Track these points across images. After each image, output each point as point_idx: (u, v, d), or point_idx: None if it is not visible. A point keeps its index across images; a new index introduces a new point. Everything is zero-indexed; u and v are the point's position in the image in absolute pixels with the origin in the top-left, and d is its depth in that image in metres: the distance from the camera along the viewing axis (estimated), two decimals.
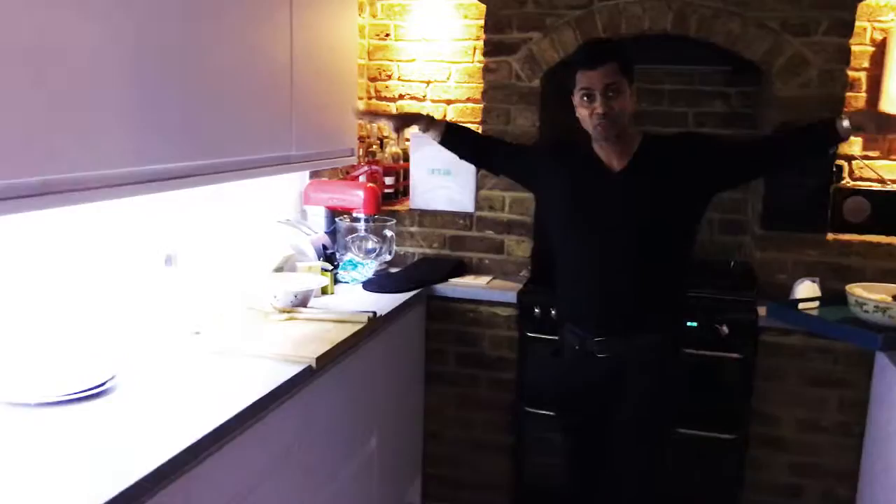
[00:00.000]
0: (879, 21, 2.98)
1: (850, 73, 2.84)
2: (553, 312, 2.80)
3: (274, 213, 3.04)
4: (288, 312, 2.43)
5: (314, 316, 2.42)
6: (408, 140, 3.47)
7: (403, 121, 2.55)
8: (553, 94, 3.22)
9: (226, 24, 2.13)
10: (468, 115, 3.50)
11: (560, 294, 2.36)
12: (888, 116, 2.24)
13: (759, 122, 3.15)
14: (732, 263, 3.17)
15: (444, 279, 3.09)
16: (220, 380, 1.92)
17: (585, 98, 2.09)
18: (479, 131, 3.21)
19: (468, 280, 3.11)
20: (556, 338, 2.45)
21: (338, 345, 2.20)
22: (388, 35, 3.53)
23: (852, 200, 2.92)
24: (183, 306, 2.28)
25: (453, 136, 2.51)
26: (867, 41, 2.95)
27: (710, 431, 2.79)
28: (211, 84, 2.07)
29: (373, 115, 2.66)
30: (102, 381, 1.78)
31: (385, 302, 2.75)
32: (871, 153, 3.08)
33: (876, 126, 2.12)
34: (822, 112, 2.78)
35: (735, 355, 2.74)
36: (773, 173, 2.75)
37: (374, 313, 2.48)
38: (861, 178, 3.06)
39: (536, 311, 2.90)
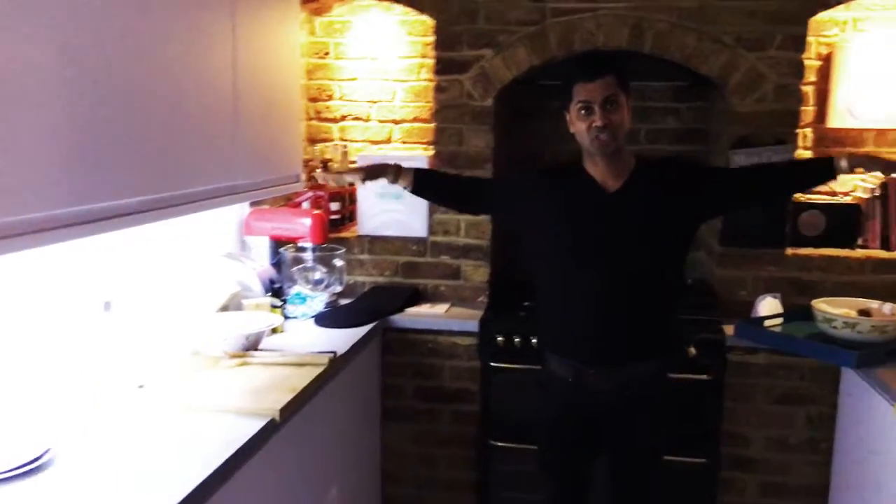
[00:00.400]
0: (825, 36, 2.99)
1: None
2: (534, 342, 2.69)
3: (213, 247, 2.82)
4: (240, 357, 2.23)
5: (269, 360, 2.23)
6: (353, 162, 3.30)
7: (370, 173, 2.31)
8: (507, 114, 3.13)
9: (166, 50, 1.93)
10: (416, 135, 3.35)
11: (547, 323, 2.23)
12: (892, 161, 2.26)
13: (714, 138, 3.12)
14: (690, 281, 3.12)
15: (401, 309, 2.93)
16: (172, 442, 1.72)
17: (583, 111, 2.01)
18: (432, 153, 3.08)
19: (425, 309, 2.96)
20: (538, 367, 2.33)
21: (300, 392, 2.02)
22: (327, 53, 3.36)
23: (808, 214, 2.91)
24: (124, 357, 2.05)
25: (424, 184, 2.32)
26: (813, 56, 2.95)
27: (684, 456, 2.71)
28: (151, 115, 1.87)
29: (338, 175, 2.38)
30: (36, 456, 1.55)
31: (340, 338, 2.57)
32: None
33: (883, 167, 2.16)
34: (779, 127, 2.78)
35: (704, 377, 2.68)
36: (766, 204, 2.71)
37: (335, 353, 2.30)
38: (812, 191, 3.06)
39: (499, 339, 2.78)
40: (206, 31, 2.16)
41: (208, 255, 2.73)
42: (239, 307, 2.57)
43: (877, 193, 2.88)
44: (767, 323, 2.66)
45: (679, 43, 2.79)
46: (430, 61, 3.26)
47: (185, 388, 1.99)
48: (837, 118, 3.02)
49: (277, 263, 2.97)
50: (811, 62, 2.96)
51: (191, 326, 2.32)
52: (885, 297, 2.63)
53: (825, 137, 3.08)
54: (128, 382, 1.98)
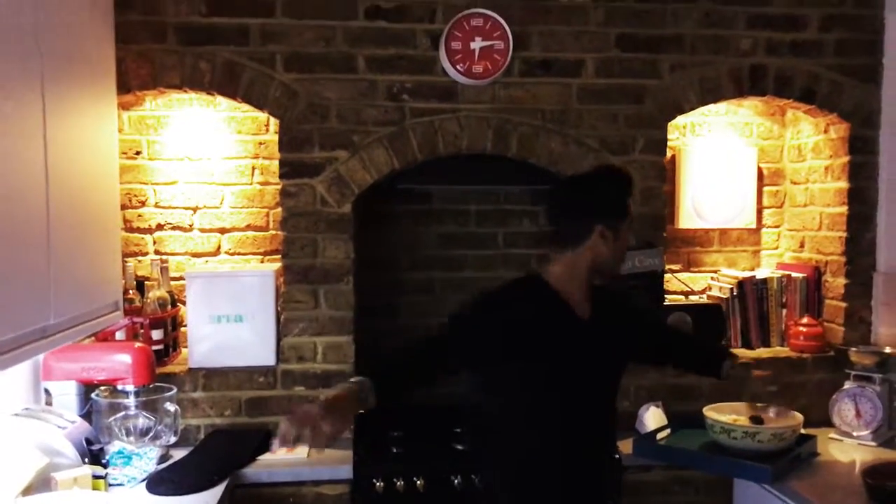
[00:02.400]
0: (669, 139, 3.04)
1: None
2: (419, 483, 2.36)
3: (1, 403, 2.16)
4: None
5: None
6: (179, 279, 2.78)
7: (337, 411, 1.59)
8: (364, 221, 2.81)
9: None
10: (249, 245, 2.92)
11: (524, 487, 1.86)
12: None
13: None
14: None
15: (252, 458, 2.42)
16: None
17: (630, 225, 1.97)
18: (278, 266, 2.66)
19: (282, 455, 2.47)
20: None
21: None
22: (138, 153, 2.86)
23: (674, 316, 2.85)
24: None
25: (389, 387, 1.69)
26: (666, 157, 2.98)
27: None
28: None
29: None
30: None
31: None
32: (673, 266, 3.10)
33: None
34: (647, 230, 2.73)
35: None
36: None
37: None
38: (669, 291, 3.05)
39: (378, 484, 2.37)
40: (15, 133, 1.64)
41: None
42: (48, 486, 1.94)
43: (734, 293, 2.91)
44: (660, 436, 2.53)
45: (544, 147, 2.67)
46: (265, 162, 2.90)
47: None
48: (686, 219, 3.07)
49: (88, 414, 2.36)
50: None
51: None
52: (756, 398, 2.59)
53: (676, 238, 3.11)
54: None
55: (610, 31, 2.68)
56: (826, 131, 2.90)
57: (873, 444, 2.54)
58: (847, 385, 2.64)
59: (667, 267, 3.05)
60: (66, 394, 2.35)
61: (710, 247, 3.14)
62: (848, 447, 2.55)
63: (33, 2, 1.77)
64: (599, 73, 2.68)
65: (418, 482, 2.38)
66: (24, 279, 1.70)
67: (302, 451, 2.49)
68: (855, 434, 2.58)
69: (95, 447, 2.17)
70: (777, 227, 3.19)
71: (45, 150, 1.81)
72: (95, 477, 2.04)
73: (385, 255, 3.05)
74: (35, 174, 1.76)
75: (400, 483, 2.37)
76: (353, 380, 1.66)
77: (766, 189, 3.16)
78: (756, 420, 2.42)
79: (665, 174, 2.77)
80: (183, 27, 2.52)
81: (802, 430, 2.48)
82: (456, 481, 2.40)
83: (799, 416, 2.42)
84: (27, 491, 1.89)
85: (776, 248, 3.19)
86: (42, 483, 1.95)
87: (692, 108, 2.76)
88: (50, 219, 1.81)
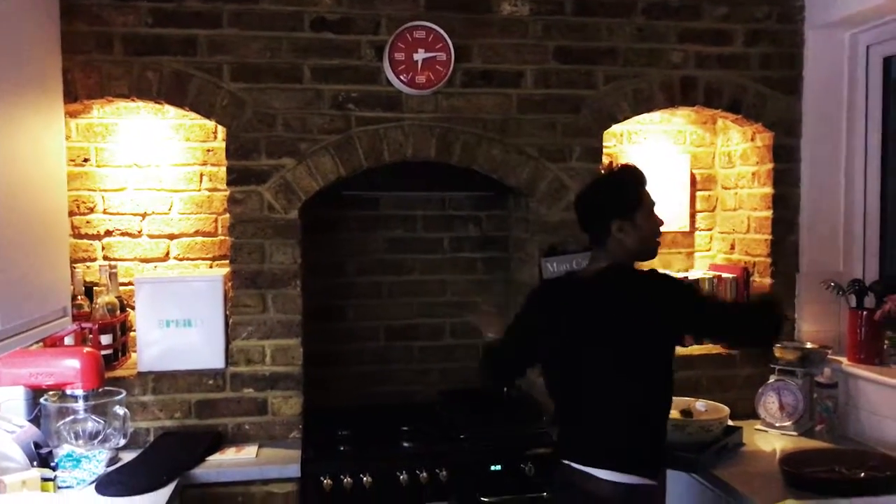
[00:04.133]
0: (605, 146, 3.16)
1: None
2: (366, 480, 2.45)
3: None
4: None
5: None
6: (128, 284, 2.81)
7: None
8: (312, 227, 2.88)
9: None
10: (198, 251, 2.97)
11: (573, 434, 2.18)
12: None
13: (517, 245, 3.12)
14: (506, 390, 3.05)
15: (201, 459, 2.47)
16: None
17: (654, 210, 2.19)
18: (227, 271, 2.72)
19: (231, 455, 2.53)
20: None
21: None
22: (86, 160, 2.88)
23: None
24: None
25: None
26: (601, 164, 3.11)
27: None
28: None
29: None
30: None
31: None
32: None
33: None
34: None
35: (542, 494, 2.57)
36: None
37: None
38: None
39: (326, 481, 2.44)
40: None
41: None
42: None
43: None
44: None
45: (486, 155, 2.77)
46: (213, 169, 2.95)
47: None
48: None
49: (36, 419, 2.38)
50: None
51: None
52: (689, 392, 2.76)
53: None
54: None
55: (548, 44, 2.79)
56: (753, 139, 3.06)
57: (795, 433, 2.70)
58: (771, 379, 2.79)
59: None
60: (14, 399, 2.37)
61: None
62: (772, 437, 2.70)
63: None
64: (538, 83, 2.79)
65: (365, 479, 2.46)
66: None
67: (250, 452, 2.56)
68: (778, 425, 2.73)
69: (44, 451, 2.20)
70: (710, 229, 3.35)
71: None
72: (44, 479, 2.08)
73: (334, 259, 3.12)
74: None
75: (347, 480, 2.45)
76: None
77: (699, 194, 3.32)
78: (686, 413, 2.56)
79: None
80: (129, 37, 2.56)
81: (730, 422, 2.63)
82: (402, 477, 2.49)
83: (725, 409, 2.57)
84: None
85: (709, 249, 3.34)
86: None
87: (626, 118, 2.89)
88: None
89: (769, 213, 2.97)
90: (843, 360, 2.77)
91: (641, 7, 2.84)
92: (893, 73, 2.87)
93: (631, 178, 2.20)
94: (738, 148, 3.16)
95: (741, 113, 2.92)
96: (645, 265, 2.24)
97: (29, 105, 2.14)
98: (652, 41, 2.85)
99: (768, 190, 2.97)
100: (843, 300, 2.81)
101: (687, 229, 3.27)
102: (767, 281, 2.98)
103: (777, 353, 2.81)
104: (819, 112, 2.93)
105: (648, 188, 2.20)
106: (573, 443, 2.14)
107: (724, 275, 3.12)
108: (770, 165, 2.96)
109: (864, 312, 2.70)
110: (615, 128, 3.08)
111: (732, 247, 3.22)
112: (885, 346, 2.68)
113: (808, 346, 2.83)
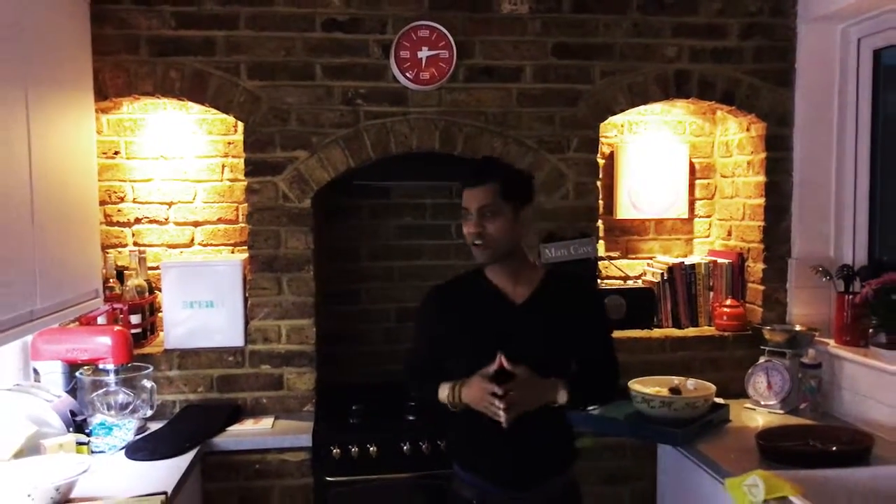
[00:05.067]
0: (606, 137, 3.32)
1: None
2: (372, 450, 2.60)
3: None
4: None
5: None
6: (156, 268, 3.03)
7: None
8: (321, 213, 3.07)
9: None
10: (221, 237, 3.18)
11: (457, 439, 2.18)
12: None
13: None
14: None
15: (222, 429, 2.69)
16: None
17: (464, 216, 2.04)
18: (246, 256, 2.92)
19: (249, 426, 2.74)
20: (376, 477, 2.35)
21: None
22: (117, 153, 3.10)
23: (610, 299, 3.13)
24: None
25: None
26: (598, 154, 3.25)
27: None
28: None
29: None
30: None
31: (159, 471, 2.31)
32: (612, 253, 3.38)
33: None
34: (581, 221, 3.00)
35: None
36: None
37: (166, 494, 2.04)
38: (608, 277, 3.34)
39: (335, 451, 2.64)
40: (1, 138, 1.89)
41: None
42: (37, 450, 2.20)
43: (665, 278, 3.18)
44: (591, 407, 2.79)
45: (487, 146, 2.93)
46: (234, 161, 3.15)
47: None
48: (623, 210, 3.34)
49: (73, 390, 2.61)
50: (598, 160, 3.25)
51: None
52: (683, 372, 2.88)
53: (614, 227, 3.39)
54: None
55: (546, 41, 2.93)
56: (748, 130, 3.17)
57: (781, 412, 2.82)
58: (761, 360, 2.92)
59: (606, 254, 3.35)
60: (53, 372, 2.61)
61: (647, 235, 3.42)
62: (759, 415, 2.83)
63: (16, 19, 2.01)
64: (537, 78, 2.94)
65: (371, 448, 2.65)
66: (12, 267, 1.94)
67: (267, 423, 2.77)
68: (764, 403, 2.86)
69: (79, 418, 2.43)
70: (709, 216, 3.47)
71: (30, 153, 2.05)
72: (79, 444, 2.31)
73: (347, 245, 3.31)
74: (20, 173, 2.01)
75: (355, 450, 2.65)
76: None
77: (698, 182, 3.44)
78: (675, 391, 2.70)
79: (598, 171, 3.03)
80: (154, 39, 2.76)
81: (718, 400, 2.77)
82: (405, 447, 2.67)
83: (712, 388, 2.70)
84: (19, 455, 2.15)
85: (708, 236, 3.47)
86: (32, 448, 2.21)
87: (622, 110, 3.02)
88: (34, 213, 2.06)
89: (762, 201, 3.08)
90: (831, 342, 2.88)
91: (637, 3, 2.96)
92: (883, 64, 2.95)
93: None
94: (735, 138, 3.27)
95: (734, 104, 3.04)
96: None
97: (63, 103, 2.35)
98: (647, 36, 2.97)
99: (761, 178, 3.08)
100: (831, 285, 2.92)
101: (686, 216, 3.40)
102: (760, 266, 3.10)
103: (766, 335, 2.93)
104: (811, 103, 3.03)
105: (475, 194, 2.02)
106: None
107: (720, 260, 3.24)
108: (763, 155, 3.07)
109: (851, 297, 2.81)
110: (616, 119, 3.22)
111: (729, 233, 3.34)
112: (870, 330, 2.79)
113: (797, 328, 2.95)
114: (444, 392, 2.07)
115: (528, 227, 2.13)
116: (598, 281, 3.10)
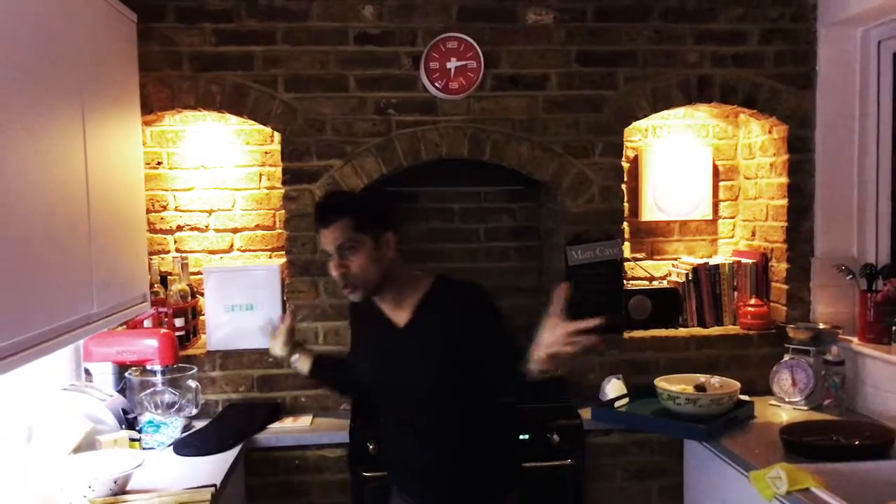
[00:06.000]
0: (631, 141, 3.40)
1: None
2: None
3: (48, 380, 2.55)
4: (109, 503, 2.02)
5: (147, 502, 2.04)
6: (197, 273, 3.17)
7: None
8: None
9: (23, 171, 1.79)
10: (258, 243, 3.31)
11: (385, 458, 2.26)
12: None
13: (546, 234, 3.37)
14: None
15: (263, 427, 2.81)
16: None
17: (327, 258, 1.98)
18: (283, 261, 3.04)
19: (289, 424, 2.86)
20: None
21: None
22: (159, 163, 3.25)
23: (636, 299, 3.22)
24: None
25: (322, 369, 2.36)
26: (623, 158, 3.33)
27: None
28: (15, 246, 1.71)
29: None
30: None
31: (205, 466, 2.43)
32: (638, 254, 3.46)
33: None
34: (606, 224, 3.08)
35: (567, 461, 2.83)
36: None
37: (215, 486, 2.16)
38: (634, 278, 3.41)
39: (371, 446, 2.75)
40: (59, 150, 2.03)
41: (46, 390, 2.47)
42: (94, 446, 2.34)
43: (690, 278, 3.26)
44: (617, 404, 2.88)
45: (514, 152, 3.02)
46: (270, 169, 3.28)
47: None
48: (648, 212, 3.42)
49: (122, 390, 2.75)
50: (623, 164, 3.34)
51: (45, 474, 2.08)
52: (708, 370, 2.96)
53: (639, 229, 3.46)
54: None
55: (570, 49, 3.02)
56: (770, 132, 3.23)
57: (805, 408, 2.88)
58: (785, 358, 2.98)
59: (630, 255, 3.43)
60: (104, 373, 2.75)
61: (671, 237, 3.49)
62: (783, 411, 2.89)
63: (73, 40, 2.14)
64: (562, 85, 3.03)
65: None
66: (73, 274, 2.08)
67: (305, 421, 2.89)
68: (789, 400, 2.92)
69: (130, 416, 2.57)
70: (733, 217, 3.53)
71: (86, 166, 2.18)
72: (132, 440, 2.44)
73: None
74: (78, 185, 2.14)
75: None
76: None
77: (722, 184, 3.51)
78: (700, 388, 2.78)
79: (622, 174, 3.11)
80: (196, 55, 2.89)
81: (743, 397, 2.84)
82: None
83: (736, 385, 2.77)
84: (77, 450, 2.29)
85: (732, 236, 3.53)
86: (88, 444, 2.35)
87: (645, 115, 3.11)
88: (91, 222, 2.19)
89: (785, 202, 3.14)
90: (854, 339, 2.94)
91: (658, 11, 3.04)
92: None
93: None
94: (758, 140, 3.33)
95: (756, 108, 3.10)
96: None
97: (114, 117, 2.49)
98: (669, 43, 3.05)
99: (784, 179, 3.15)
100: (854, 283, 2.98)
101: (710, 218, 3.47)
102: (784, 265, 3.16)
103: (790, 334, 2.99)
104: (832, 105, 3.08)
105: (329, 234, 1.95)
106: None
107: (744, 260, 3.31)
108: (785, 156, 3.13)
109: (873, 295, 2.87)
110: (641, 123, 3.30)
111: (753, 234, 3.40)
112: (893, 328, 2.84)
113: (821, 326, 3.01)
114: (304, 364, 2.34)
115: (394, 249, 2.01)
116: (622, 281, 3.17)
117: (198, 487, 2.16)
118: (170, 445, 2.61)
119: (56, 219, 1.98)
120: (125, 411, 2.57)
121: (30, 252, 1.81)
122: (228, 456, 2.54)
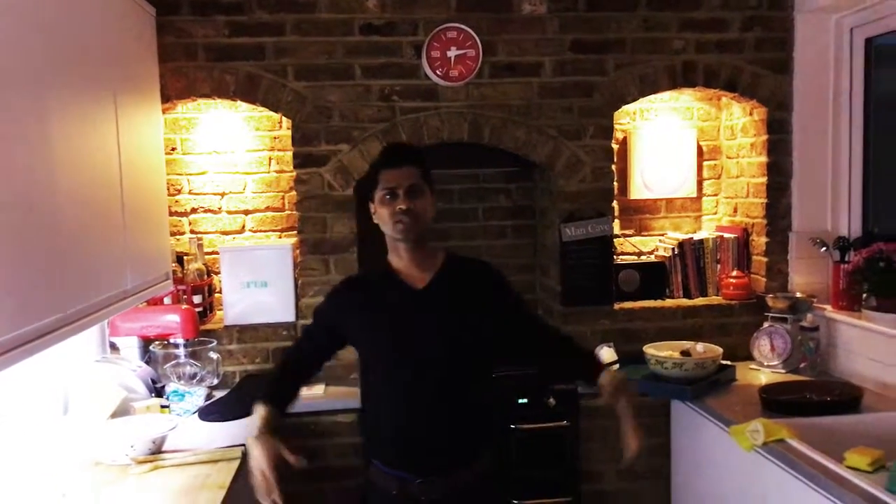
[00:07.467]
0: (620, 123, 3.59)
1: None
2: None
3: (79, 353, 2.74)
4: (149, 462, 2.22)
5: (182, 460, 2.25)
6: (211, 253, 3.35)
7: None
8: (362, 201, 3.36)
9: (65, 155, 1.97)
10: (269, 224, 3.49)
11: (374, 431, 2.11)
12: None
13: (541, 213, 3.57)
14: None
15: None
16: None
17: (388, 196, 1.98)
18: (294, 240, 3.23)
19: (304, 392, 3.05)
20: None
21: (228, 490, 2.07)
22: (174, 149, 3.42)
23: (625, 273, 3.43)
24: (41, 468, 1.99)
25: (282, 399, 2.16)
26: (613, 140, 3.52)
27: (551, 497, 3.05)
28: (56, 227, 1.89)
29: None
30: None
31: (231, 430, 2.62)
32: (627, 231, 3.67)
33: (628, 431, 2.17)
34: (598, 202, 3.28)
35: (563, 423, 3.05)
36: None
37: (244, 446, 2.36)
38: (623, 252, 3.62)
39: None
40: (97, 135, 2.20)
41: (82, 362, 2.66)
42: (127, 412, 2.53)
43: (676, 252, 3.47)
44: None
45: (511, 135, 3.21)
46: (280, 154, 3.45)
47: (112, 498, 1.97)
48: (637, 191, 3.62)
49: (148, 362, 2.94)
50: (613, 146, 3.53)
51: (89, 435, 2.27)
52: (693, 338, 3.17)
53: (628, 207, 3.67)
54: (51, 491, 1.92)
55: (564, 38, 3.20)
56: (751, 114, 3.44)
57: (783, 371, 3.11)
58: (765, 325, 3.21)
59: (620, 232, 3.63)
60: (130, 346, 2.94)
61: (658, 214, 3.70)
62: (762, 374, 3.12)
63: (104, 35, 2.31)
64: (556, 72, 3.21)
65: None
66: (111, 251, 2.26)
67: (319, 389, 3.09)
68: (767, 364, 3.15)
69: (158, 385, 2.76)
70: (716, 195, 3.74)
71: (119, 151, 2.36)
72: (162, 407, 2.64)
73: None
74: (113, 169, 2.31)
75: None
76: (261, 413, 2.03)
77: (705, 163, 3.71)
78: (685, 354, 2.99)
79: (612, 155, 3.31)
80: (210, 47, 3.06)
81: (725, 362, 3.06)
82: None
83: (719, 350, 2.99)
84: (113, 416, 2.48)
85: (715, 213, 3.74)
86: (122, 411, 2.55)
87: (634, 100, 3.30)
88: (124, 205, 2.38)
89: (764, 180, 3.35)
90: (828, 307, 3.16)
91: (646, 1, 3.22)
92: (874, 52, 3.21)
93: (380, 156, 2.14)
94: (739, 122, 3.54)
95: (737, 91, 3.30)
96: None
97: (140, 106, 2.66)
98: (656, 31, 3.24)
99: (763, 159, 3.35)
100: (829, 255, 3.20)
101: (694, 196, 3.68)
102: (763, 239, 3.38)
103: (769, 303, 3.22)
104: (808, 88, 3.29)
105: (401, 174, 1.99)
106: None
107: (727, 235, 3.52)
108: (765, 137, 3.34)
109: (845, 265, 3.09)
110: (629, 107, 3.49)
111: (735, 210, 3.61)
112: (863, 296, 3.06)
113: (797, 295, 3.23)
114: (259, 409, 2.04)
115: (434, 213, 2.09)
116: (613, 256, 3.38)
117: (228, 446, 2.36)
118: (194, 413, 2.80)
119: (97, 201, 2.16)
120: (154, 381, 2.76)
121: (73, 233, 1.99)
122: (250, 421, 2.73)
